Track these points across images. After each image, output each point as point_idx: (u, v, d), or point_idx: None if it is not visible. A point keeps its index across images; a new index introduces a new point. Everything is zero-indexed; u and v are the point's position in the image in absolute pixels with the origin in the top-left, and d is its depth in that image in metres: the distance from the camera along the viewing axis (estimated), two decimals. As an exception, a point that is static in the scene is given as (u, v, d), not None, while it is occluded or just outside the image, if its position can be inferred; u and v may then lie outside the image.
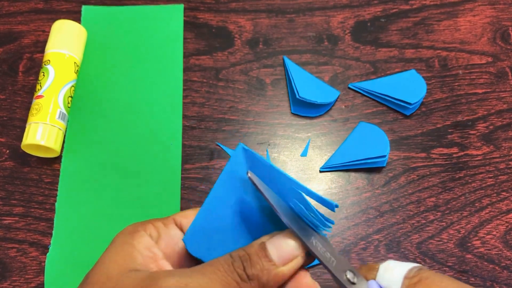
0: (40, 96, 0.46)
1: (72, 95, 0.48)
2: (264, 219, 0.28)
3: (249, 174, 0.25)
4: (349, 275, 0.26)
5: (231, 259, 0.25)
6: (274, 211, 0.25)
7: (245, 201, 0.28)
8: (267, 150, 0.47)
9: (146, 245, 0.27)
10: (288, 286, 0.27)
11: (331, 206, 0.25)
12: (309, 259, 0.27)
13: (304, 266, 0.27)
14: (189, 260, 0.29)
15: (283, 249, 0.26)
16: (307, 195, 0.26)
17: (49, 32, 0.50)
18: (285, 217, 0.25)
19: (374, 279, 0.27)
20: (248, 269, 0.25)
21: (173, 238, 0.28)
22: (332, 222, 0.27)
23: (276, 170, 0.26)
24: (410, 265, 0.26)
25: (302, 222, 0.26)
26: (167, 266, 0.27)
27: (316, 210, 0.26)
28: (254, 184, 0.25)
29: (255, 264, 0.25)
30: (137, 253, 0.26)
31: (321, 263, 0.26)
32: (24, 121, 0.48)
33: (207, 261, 0.26)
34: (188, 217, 0.29)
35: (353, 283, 0.26)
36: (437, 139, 0.48)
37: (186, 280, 0.24)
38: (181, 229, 0.29)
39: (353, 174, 0.46)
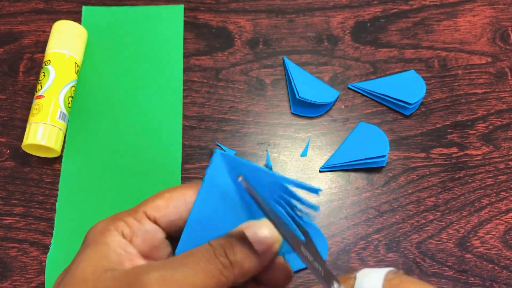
0: (40, 96, 0.46)
1: (73, 95, 0.48)
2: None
3: (240, 179, 0.26)
4: (336, 285, 0.26)
5: (212, 248, 0.25)
6: (266, 216, 0.25)
7: (231, 206, 0.28)
8: (267, 150, 0.47)
9: (119, 244, 0.26)
10: (266, 272, 0.27)
11: (314, 190, 0.26)
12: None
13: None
14: (168, 255, 0.28)
15: (262, 236, 0.25)
16: (290, 184, 0.26)
17: (49, 32, 0.50)
18: (274, 222, 0.25)
19: None
20: (231, 256, 0.25)
21: (149, 233, 0.27)
22: (318, 207, 0.27)
23: (257, 168, 0.27)
24: (386, 269, 0.27)
25: (291, 230, 0.27)
26: (143, 263, 0.27)
27: (304, 200, 0.26)
28: (246, 189, 0.26)
29: (237, 251, 0.25)
30: (111, 252, 0.26)
31: (311, 271, 0.26)
32: (24, 121, 0.48)
33: None
34: (161, 210, 0.27)
35: None
36: (436, 139, 0.48)
37: (169, 273, 0.24)
38: (156, 223, 0.28)
39: (353, 174, 0.47)
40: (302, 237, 0.27)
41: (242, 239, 0.25)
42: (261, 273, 0.27)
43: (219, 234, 0.27)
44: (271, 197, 0.27)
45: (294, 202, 0.27)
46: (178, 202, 0.28)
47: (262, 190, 0.27)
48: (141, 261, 0.26)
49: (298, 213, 0.27)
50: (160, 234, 0.27)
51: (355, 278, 0.27)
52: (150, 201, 0.28)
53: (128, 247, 0.26)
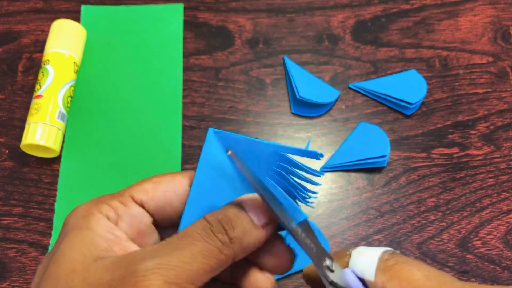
0: (39, 96, 0.46)
1: (72, 95, 0.48)
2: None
3: (229, 152, 0.24)
4: (328, 262, 0.25)
5: (209, 225, 0.23)
6: (255, 190, 0.24)
7: (229, 182, 0.27)
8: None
9: (106, 228, 0.24)
10: (264, 251, 0.26)
11: (315, 155, 0.24)
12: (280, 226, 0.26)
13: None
14: (155, 242, 0.27)
15: (261, 210, 0.25)
16: (288, 152, 0.25)
17: (48, 31, 0.50)
18: (266, 197, 0.24)
19: (347, 266, 0.26)
20: (230, 232, 0.23)
21: (136, 216, 0.26)
22: (321, 172, 0.26)
23: (252, 140, 0.26)
24: (382, 249, 0.26)
25: (282, 205, 0.26)
26: (134, 248, 0.25)
27: (305, 165, 0.25)
28: (236, 162, 0.24)
29: (237, 226, 0.24)
30: (98, 238, 0.24)
31: (302, 248, 0.25)
32: (23, 121, 0.48)
33: None
34: (148, 193, 0.26)
35: (332, 271, 0.25)
36: (437, 139, 0.48)
37: (165, 259, 0.22)
38: (143, 206, 0.26)
39: (353, 174, 0.46)
40: (297, 214, 0.26)
41: (243, 212, 0.24)
42: (263, 256, 0.26)
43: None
44: (270, 168, 0.26)
45: (295, 170, 0.25)
46: (167, 187, 0.26)
47: (260, 163, 0.26)
48: (131, 245, 0.25)
49: (300, 182, 0.26)
50: (146, 219, 0.26)
51: (350, 255, 0.26)
52: (137, 185, 0.27)
53: (116, 231, 0.25)
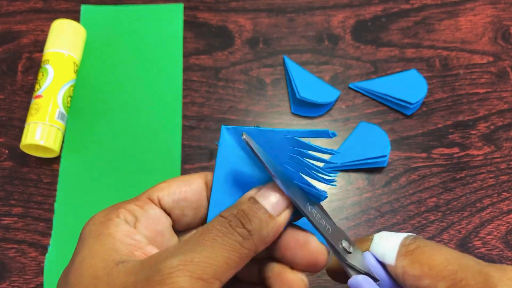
0: (39, 96, 0.46)
1: (72, 95, 0.48)
2: None
3: (244, 136, 0.25)
4: (345, 244, 0.25)
5: (226, 220, 0.24)
6: (270, 175, 0.25)
7: (249, 176, 0.27)
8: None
9: (125, 232, 0.24)
10: (284, 239, 0.26)
11: (327, 134, 0.24)
12: (298, 214, 0.26)
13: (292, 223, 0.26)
14: (175, 243, 0.27)
15: (273, 199, 0.25)
16: (300, 135, 0.25)
17: (48, 31, 0.50)
18: (280, 182, 0.24)
19: (368, 249, 0.26)
20: (248, 225, 0.23)
21: (153, 218, 0.26)
22: (337, 151, 0.26)
23: (264, 130, 0.26)
24: (405, 234, 0.26)
25: (298, 189, 0.26)
26: (154, 251, 0.25)
27: (318, 146, 0.25)
28: (250, 147, 0.25)
29: (253, 218, 0.24)
30: (118, 243, 0.24)
31: (317, 230, 0.25)
32: (23, 121, 0.47)
33: None
34: (163, 189, 0.26)
35: (349, 252, 0.25)
36: (438, 139, 0.47)
37: (189, 256, 0.22)
38: (160, 205, 0.26)
39: (353, 174, 0.46)
40: (316, 194, 0.26)
41: (256, 203, 0.24)
42: (294, 254, 0.26)
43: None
44: (285, 154, 0.26)
45: (309, 152, 0.25)
46: (182, 182, 0.27)
47: (274, 151, 0.26)
48: (152, 249, 0.25)
49: (316, 164, 0.26)
50: (164, 219, 0.26)
51: (372, 239, 0.26)
52: (152, 187, 0.27)
53: (135, 235, 0.25)
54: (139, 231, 0.25)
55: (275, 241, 0.26)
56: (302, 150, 0.25)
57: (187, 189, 0.27)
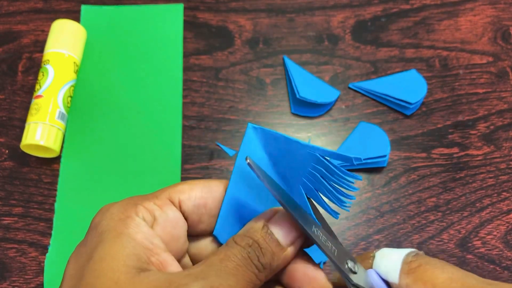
0: (39, 96, 0.46)
1: (72, 95, 0.48)
2: None
3: (248, 160, 0.24)
4: (350, 264, 0.25)
5: (245, 251, 0.24)
6: (275, 198, 0.24)
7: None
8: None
9: (145, 235, 0.23)
10: (293, 268, 0.26)
11: (350, 160, 0.24)
12: (307, 241, 0.26)
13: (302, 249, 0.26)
14: (185, 252, 0.27)
15: (286, 229, 0.25)
16: (324, 154, 0.25)
17: (48, 31, 0.50)
18: (286, 205, 0.24)
19: (371, 267, 0.26)
20: (262, 259, 0.24)
21: (172, 221, 0.25)
22: (359, 176, 0.25)
23: (290, 139, 0.26)
24: (406, 250, 0.26)
25: (303, 210, 0.26)
26: (170, 260, 0.24)
27: (343, 170, 0.25)
28: (254, 172, 0.24)
29: (266, 252, 0.24)
30: (139, 247, 0.23)
31: (323, 252, 0.25)
32: (23, 121, 0.48)
33: None
34: (185, 192, 0.26)
35: (354, 272, 0.25)
36: (437, 139, 0.48)
37: (215, 281, 0.22)
38: (180, 208, 0.26)
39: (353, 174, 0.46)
40: (315, 218, 0.26)
41: (269, 235, 0.24)
42: (300, 284, 0.26)
43: (256, 210, 0.26)
44: (304, 169, 0.26)
45: (329, 173, 0.25)
46: (204, 188, 0.26)
47: (294, 162, 0.26)
48: (167, 257, 0.24)
49: (335, 185, 0.26)
50: (181, 224, 0.26)
51: (373, 257, 0.26)
52: (173, 186, 0.26)
53: (154, 238, 0.24)
54: (157, 234, 0.24)
55: (283, 268, 0.26)
56: (323, 170, 0.25)
57: (208, 196, 0.26)
